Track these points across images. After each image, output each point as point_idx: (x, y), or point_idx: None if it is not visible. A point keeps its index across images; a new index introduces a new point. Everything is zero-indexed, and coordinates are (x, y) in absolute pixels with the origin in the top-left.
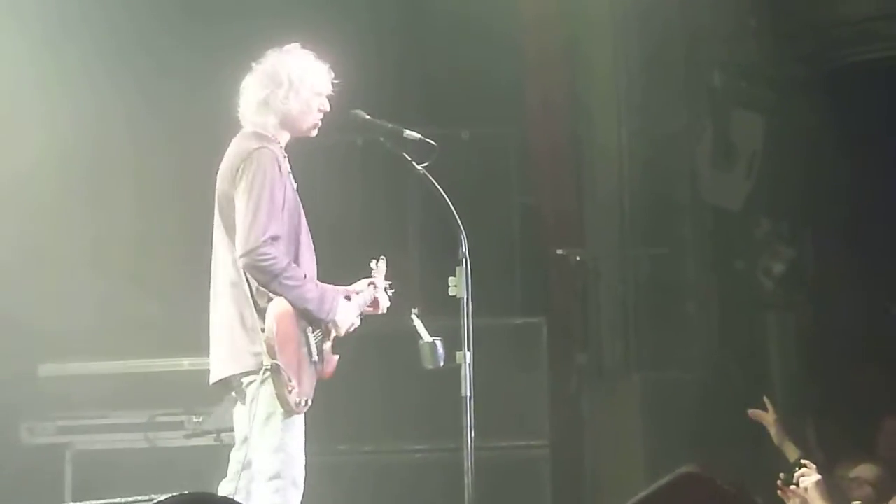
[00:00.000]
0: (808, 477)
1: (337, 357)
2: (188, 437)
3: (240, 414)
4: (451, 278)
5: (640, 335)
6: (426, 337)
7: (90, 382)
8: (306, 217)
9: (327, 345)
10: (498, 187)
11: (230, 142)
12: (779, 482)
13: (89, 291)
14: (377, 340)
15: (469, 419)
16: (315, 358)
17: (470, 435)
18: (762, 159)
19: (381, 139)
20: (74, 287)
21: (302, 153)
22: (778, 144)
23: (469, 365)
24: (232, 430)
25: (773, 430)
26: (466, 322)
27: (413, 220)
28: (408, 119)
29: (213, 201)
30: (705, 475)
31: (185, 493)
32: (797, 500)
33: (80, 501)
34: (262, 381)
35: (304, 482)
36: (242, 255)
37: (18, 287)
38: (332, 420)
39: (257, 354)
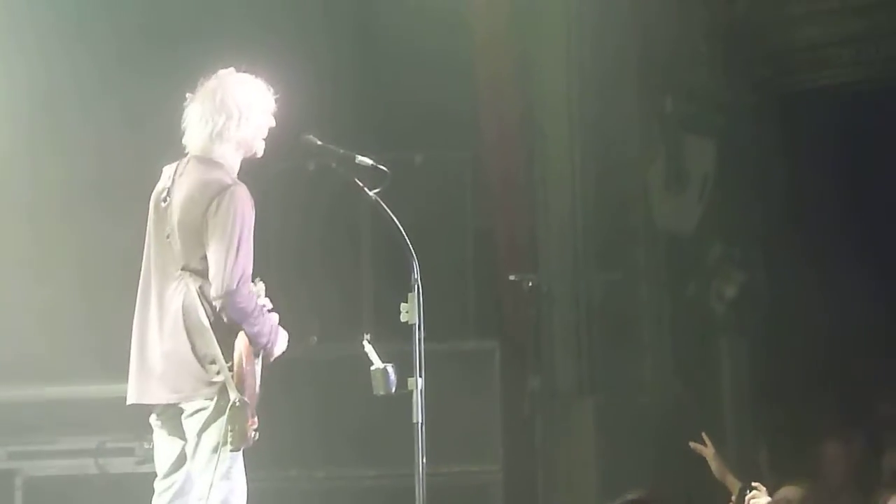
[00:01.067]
0: (758, 499)
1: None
2: (139, 463)
3: (168, 441)
4: (402, 304)
5: (594, 359)
6: (378, 363)
7: (39, 408)
8: (257, 242)
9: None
10: (451, 212)
11: (172, 166)
12: (731, 502)
13: (37, 316)
14: (328, 366)
15: (420, 445)
16: (258, 390)
17: (422, 461)
18: (714, 184)
19: (333, 165)
20: (21, 311)
21: (254, 178)
22: (730, 169)
23: (421, 391)
24: None
25: (713, 465)
26: (418, 348)
27: (365, 246)
28: (360, 143)
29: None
30: (652, 500)
31: None
32: None
33: None
34: (218, 413)
35: None
36: (222, 296)
37: None
38: (282, 446)
39: (212, 384)
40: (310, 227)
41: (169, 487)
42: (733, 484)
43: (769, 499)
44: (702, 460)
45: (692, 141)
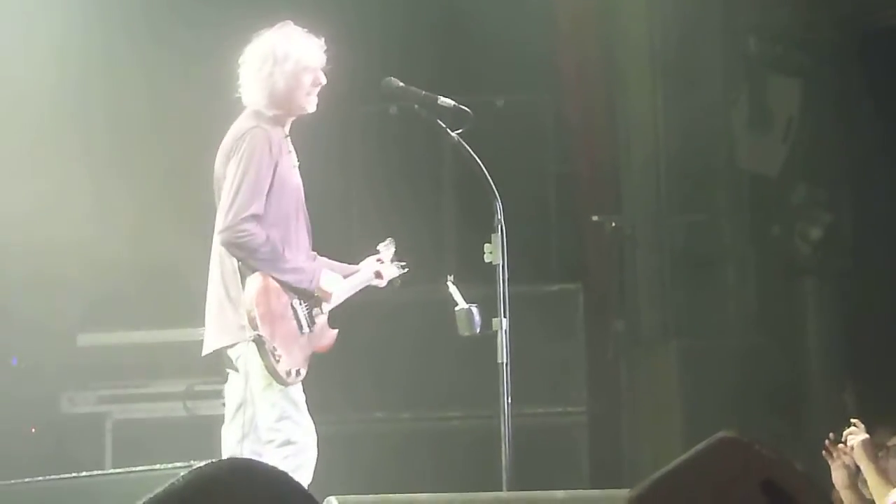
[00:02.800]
0: (856, 435)
1: (335, 331)
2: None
3: (232, 385)
4: (486, 245)
5: (677, 302)
6: (462, 304)
7: (129, 352)
8: (339, 187)
9: (321, 317)
10: (533, 154)
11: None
12: (827, 441)
13: (126, 261)
14: (413, 308)
15: (506, 386)
16: (306, 329)
17: (507, 402)
18: (798, 124)
19: (416, 107)
20: (111, 256)
21: (336, 123)
22: (814, 109)
23: (505, 331)
24: None
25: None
26: (502, 289)
27: (448, 188)
28: (442, 87)
29: None
30: (744, 439)
31: (225, 458)
32: (842, 461)
33: (120, 469)
34: (253, 354)
35: (342, 449)
36: (221, 232)
37: (56, 259)
38: (367, 388)
39: (243, 327)
40: (392, 169)
41: (234, 432)
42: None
43: (866, 435)
44: (787, 404)
45: (776, 81)
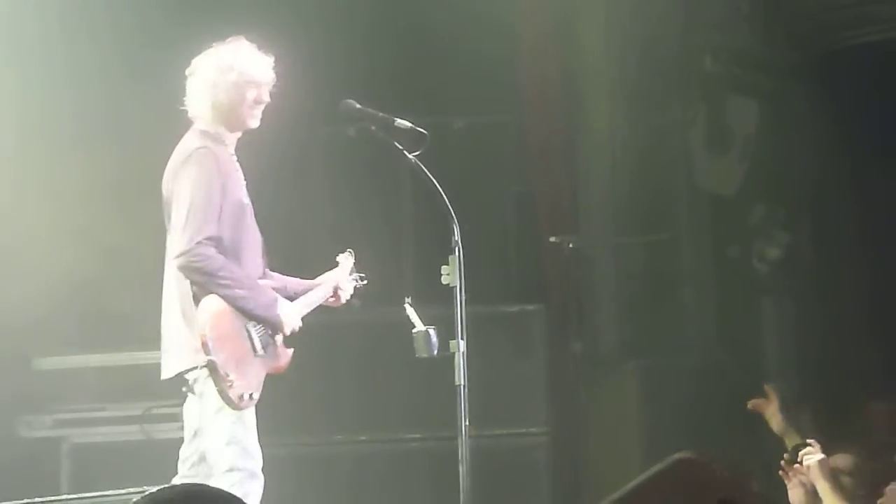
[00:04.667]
0: (812, 455)
1: (291, 350)
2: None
3: (189, 409)
4: (444, 267)
5: (636, 322)
6: (420, 326)
7: (86, 375)
8: (296, 207)
9: (277, 338)
10: (491, 175)
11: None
12: (782, 461)
13: (83, 283)
14: (371, 329)
15: (463, 408)
16: (260, 352)
17: (464, 423)
18: (756, 144)
19: (373, 128)
20: (69, 278)
21: (294, 144)
22: (772, 129)
23: (463, 353)
24: None
25: (774, 420)
26: (460, 310)
27: (406, 210)
28: (401, 108)
29: None
30: (701, 460)
31: (178, 483)
32: (798, 480)
33: (77, 494)
34: (206, 378)
35: (298, 473)
36: (178, 256)
37: (11, 279)
38: (326, 410)
39: (199, 350)
40: (351, 191)
41: (190, 455)
42: (794, 437)
43: (823, 455)
44: (745, 424)
45: (734, 101)
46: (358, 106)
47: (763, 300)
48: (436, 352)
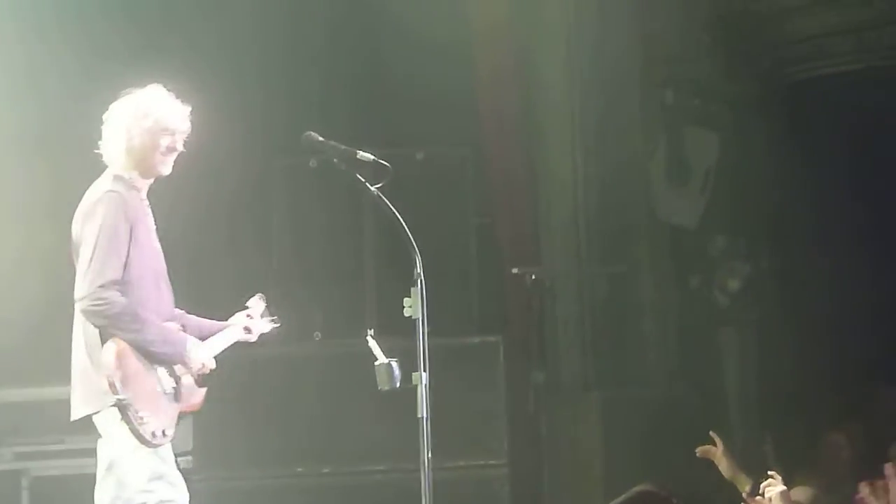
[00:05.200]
0: (774, 487)
1: (204, 389)
2: None
3: (101, 449)
4: (406, 299)
5: (598, 353)
6: (382, 358)
7: (45, 408)
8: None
9: (187, 378)
10: (453, 207)
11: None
12: (744, 493)
13: (39, 316)
14: (334, 361)
15: (426, 440)
16: (169, 391)
17: (427, 456)
18: (716, 176)
19: (335, 161)
20: (24, 312)
21: (255, 176)
22: (732, 161)
23: (425, 385)
24: (188, 453)
25: (722, 464)
26: (422, 342)
27: (368, 242)
28: (362, 141)
29: None
30: (662, 493)
31: None
32: None
33: None
34: (117, 419)
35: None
36: (80, 300)
37: None
38: (288, 442)
39: (106, 393)
40: (312, 223)
41: (107, 492)
42: (743, 482)
43: (784, 487)
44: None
45: (694, 133)
46: (320, 138)
47: (724, 331)
48: (398, 384)
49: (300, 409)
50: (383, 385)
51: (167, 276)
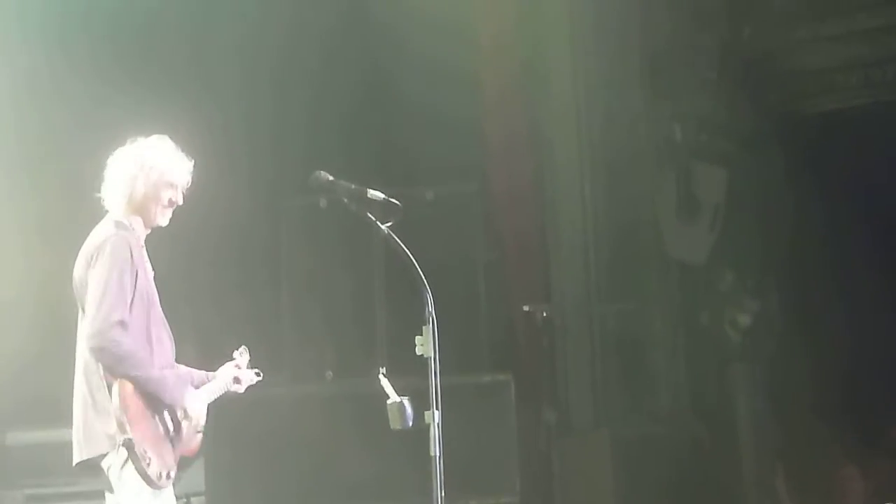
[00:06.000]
0: None
1: (200, 435)
2: None
3: (108, 497)
4: (417, 337)
5: (609, 390)
6: (394, 397)
7: (57, 450)
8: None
9: (185, 423)
10: (462, 245)
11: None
12: None
13: (54, 359)
14: (345, 401)
15: (438, 478)
16: (172, 433)
17: (440, 494)
18: (725, 212)
19: (345, 200)
20: (39, 355)
21: (266, 216)
22: (740, 196)
23: (437, 424)
24: (201, 493)
25: None
26: (434, 381)
27: (379, 281)
28: (372, 181)
29: None
30: None
31: None
32: None
33: None
34: (123, 460)
35: None
36: (90, 337)
37: None
38: (301, 482)
39: (111, 436)
40: (323, 263)
41: None
42: None
43: None
44: (717, 490)
45: (702, 169)
46: (330, 178)
47: (735, 367)
48: (411, 423)
49: (312, 448)
50: (395, 424)
51: (167, 325)
